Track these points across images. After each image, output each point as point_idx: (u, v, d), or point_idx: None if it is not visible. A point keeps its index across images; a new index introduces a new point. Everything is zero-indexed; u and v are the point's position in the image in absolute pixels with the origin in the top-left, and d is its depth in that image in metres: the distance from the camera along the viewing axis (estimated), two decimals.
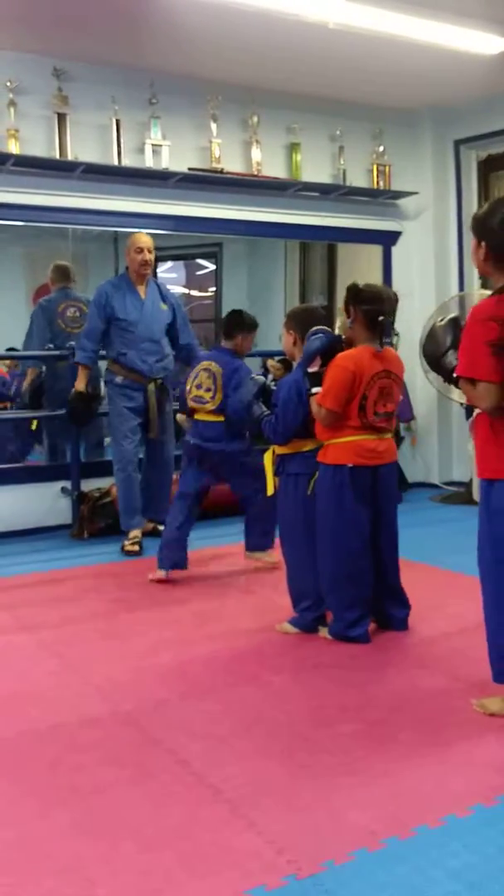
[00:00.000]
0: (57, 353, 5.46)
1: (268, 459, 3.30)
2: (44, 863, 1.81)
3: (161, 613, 3.58)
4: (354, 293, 3.06)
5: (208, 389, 3.90)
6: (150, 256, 4.76)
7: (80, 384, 4.77)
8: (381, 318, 3.01)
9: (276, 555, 3.82)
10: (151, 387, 4.71)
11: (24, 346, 5.79)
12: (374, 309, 3.02)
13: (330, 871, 1.75)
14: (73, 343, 5.41)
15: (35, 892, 1.71)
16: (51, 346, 5.50)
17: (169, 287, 5.19)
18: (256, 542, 4.10)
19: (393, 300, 3.12)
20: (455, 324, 3.43)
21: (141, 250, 4.72)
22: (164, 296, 4.89)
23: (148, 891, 1.71)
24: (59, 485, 5.18)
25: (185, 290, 8.22)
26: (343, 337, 3.14)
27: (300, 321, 3.28)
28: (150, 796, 2.08)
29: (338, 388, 3.01)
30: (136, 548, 4.61)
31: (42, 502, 5.15)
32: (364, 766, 2.20)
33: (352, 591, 3.09)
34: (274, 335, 8.02)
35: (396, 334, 3.62)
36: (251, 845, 1.85)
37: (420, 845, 1.85)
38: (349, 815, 1.97)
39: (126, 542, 4.64)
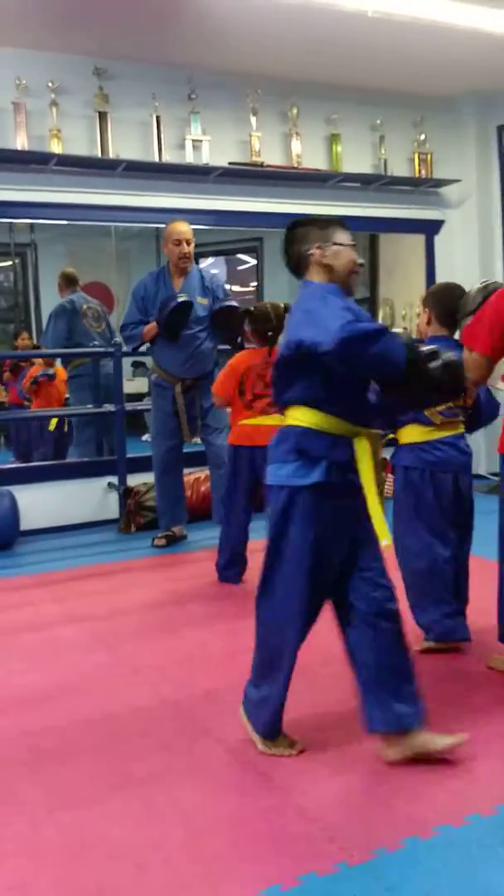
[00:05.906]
0: (102, 349, 5.54)
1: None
2: (97, 848, 1.84)
3: (209, 605, 3.60)
4: (248, 316, 3.80)
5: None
6: (190, 248, 4.42)
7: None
8: (269, 333, 3.69)
9: None
10: (178, 388, 4.46)
11: (42, 343, 5.99)
12: (263, 327, 3.73)
13: (382, 859, 1.75)
14: (96, 343, 5.57)
15: (88, 877, 1.74)
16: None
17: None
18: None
19: (280, 317, 3.58)
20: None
21: (179, 242, 4.38)
22: (205, 288, 4.54)
23: (199, 876, 1.72)
24: (105, 480, 5.24)
25: (227, 286, 8.21)
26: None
27: (438, 300, 3.05)
28: (201, 784, 2.10)
29: (225, 379, 3.78)
30: (163, 542, 4.62)
31: (90, 498, 5.22)
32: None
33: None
34: None
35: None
36: (302, 832, 1.86)
37: (472, 834, 1.84)
38: (400, 804, 1.97)
39: (155, 538, 4.68)
